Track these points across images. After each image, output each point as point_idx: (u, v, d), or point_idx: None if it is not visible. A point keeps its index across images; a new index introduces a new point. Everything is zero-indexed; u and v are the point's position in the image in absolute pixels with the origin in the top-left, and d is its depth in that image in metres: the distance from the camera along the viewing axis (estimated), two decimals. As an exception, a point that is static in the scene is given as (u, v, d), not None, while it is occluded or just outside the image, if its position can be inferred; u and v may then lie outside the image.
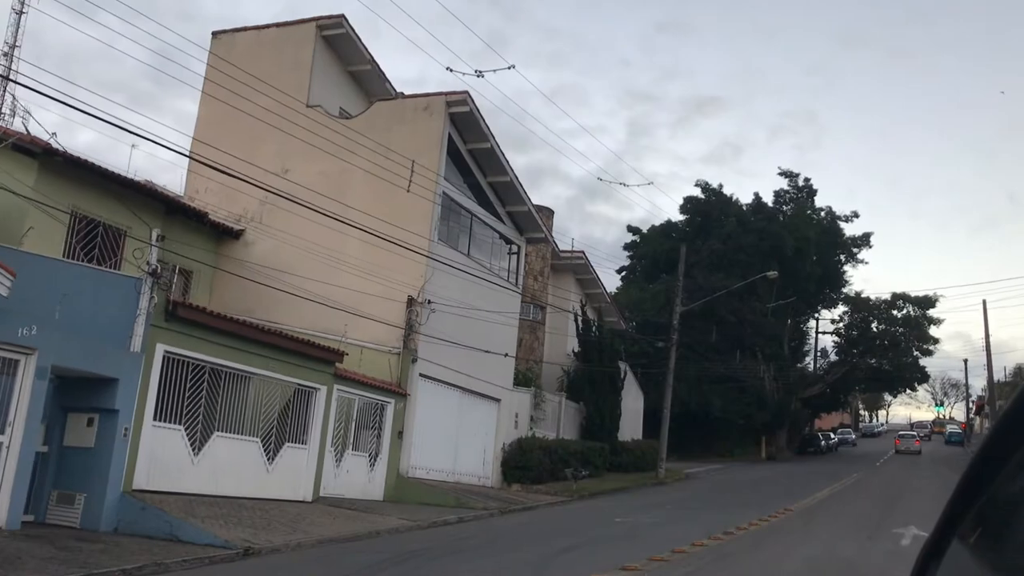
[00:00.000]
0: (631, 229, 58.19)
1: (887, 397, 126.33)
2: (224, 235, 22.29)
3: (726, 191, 53.31)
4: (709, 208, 52.84)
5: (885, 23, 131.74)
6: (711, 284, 49.57)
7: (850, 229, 53.56)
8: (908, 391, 57.36)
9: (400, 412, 19.64)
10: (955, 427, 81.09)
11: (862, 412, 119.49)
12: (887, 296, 53.35)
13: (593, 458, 27.49)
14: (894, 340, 52.36)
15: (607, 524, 16.93)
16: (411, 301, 20.22)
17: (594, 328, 30.58)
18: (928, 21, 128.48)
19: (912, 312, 52.43)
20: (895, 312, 52.96)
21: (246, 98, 19.80)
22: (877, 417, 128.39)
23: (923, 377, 53.27)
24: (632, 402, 34.34)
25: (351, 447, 18.28)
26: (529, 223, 25.41)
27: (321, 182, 20.53)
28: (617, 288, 56.85)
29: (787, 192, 55.63)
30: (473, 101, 21.38)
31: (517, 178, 23.74)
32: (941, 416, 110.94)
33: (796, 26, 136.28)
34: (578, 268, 34.73)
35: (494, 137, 22.47)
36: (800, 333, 60.41)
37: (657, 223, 54.97)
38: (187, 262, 20.69)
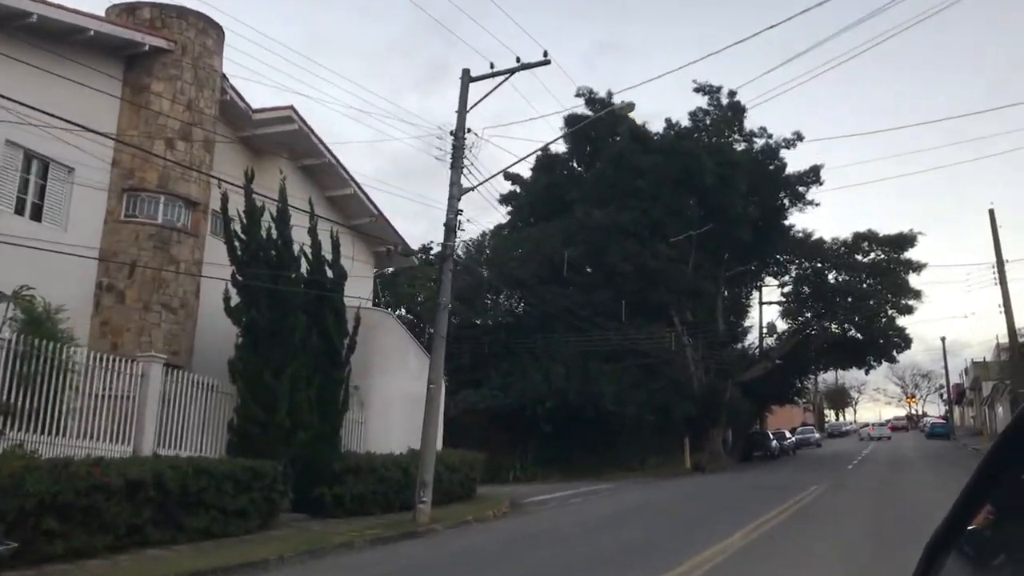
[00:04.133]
0: (509, 177, 42.58)
1: (854, 395, 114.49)
2: None
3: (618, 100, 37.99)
4: (598, 127, 37.62)
5: (814, 32, 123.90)
6: (595, 222, 34.70)
7: (794, 163, 38.74)
8: (885, 363, 42.01)
9: None
10: (935, 419, 72.14)
11: (827, 412, 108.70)
12: (848, 237, 38.62)
13: (216, 497, 11.98)
14: (861, 295, 37.55)
15: None
16: None
17: (269, 225, 14.97)
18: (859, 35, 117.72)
19: (883, 256, 37.84)
20: (859, 257, 38.28)
21: None
22: (844, 416, 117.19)
23: (905, 343, 38.19)
24: (407, 383, 18.96)
25: None
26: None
27: None
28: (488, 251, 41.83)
29: (707, 112, 40.74)
30: None
31: None
32: (913, 413, 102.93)
33: (733, 37, 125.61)
34: (297, 143, 19.33)
35: None
36: (740, 308, 45.78)
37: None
38: None
